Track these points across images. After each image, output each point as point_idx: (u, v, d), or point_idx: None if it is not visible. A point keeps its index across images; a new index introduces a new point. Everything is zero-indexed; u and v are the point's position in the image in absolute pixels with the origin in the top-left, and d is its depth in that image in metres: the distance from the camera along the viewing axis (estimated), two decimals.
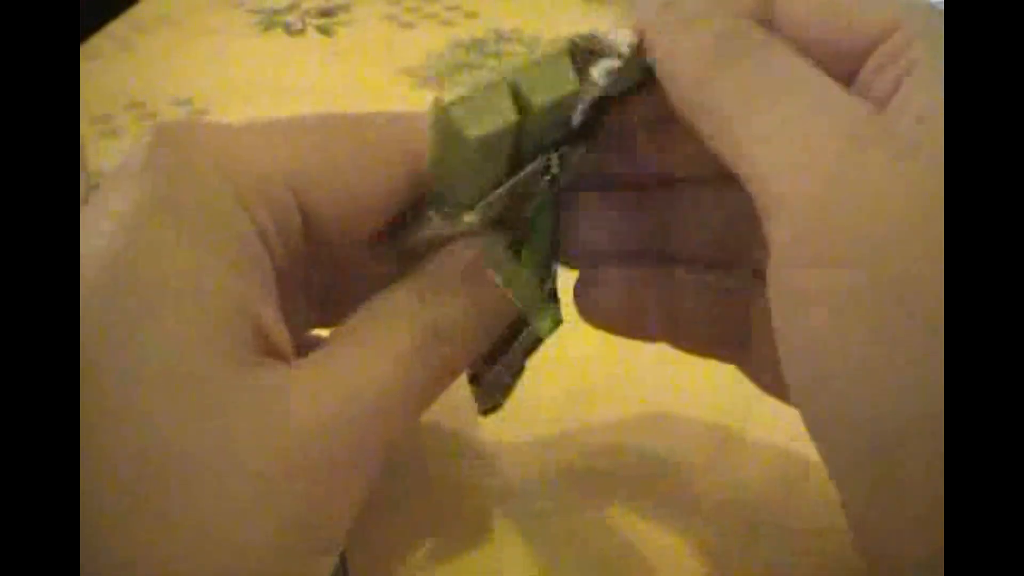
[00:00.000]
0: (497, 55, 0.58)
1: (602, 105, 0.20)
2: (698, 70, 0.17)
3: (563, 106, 0.20)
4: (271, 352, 0.17)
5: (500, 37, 0.60)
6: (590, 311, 0.24)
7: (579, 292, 0.24)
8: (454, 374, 0.21)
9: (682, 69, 0.18)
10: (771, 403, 0.25)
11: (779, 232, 0.16)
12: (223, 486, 0.15)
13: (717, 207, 0.22)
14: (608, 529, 0.27)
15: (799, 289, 0.15)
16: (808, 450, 0.18)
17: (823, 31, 0.18)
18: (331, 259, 0.20)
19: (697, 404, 0.30)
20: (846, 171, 0.15)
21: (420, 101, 0.52)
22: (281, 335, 0.17)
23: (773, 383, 0.22)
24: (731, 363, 0.23)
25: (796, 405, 0.17)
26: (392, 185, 0.19)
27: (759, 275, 0.17)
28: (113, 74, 0.57)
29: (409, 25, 0.63)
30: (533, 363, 0.25)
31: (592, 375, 0.32)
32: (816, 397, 0.16)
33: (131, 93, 0.54)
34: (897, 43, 0.17)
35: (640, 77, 0.20)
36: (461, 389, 0.32)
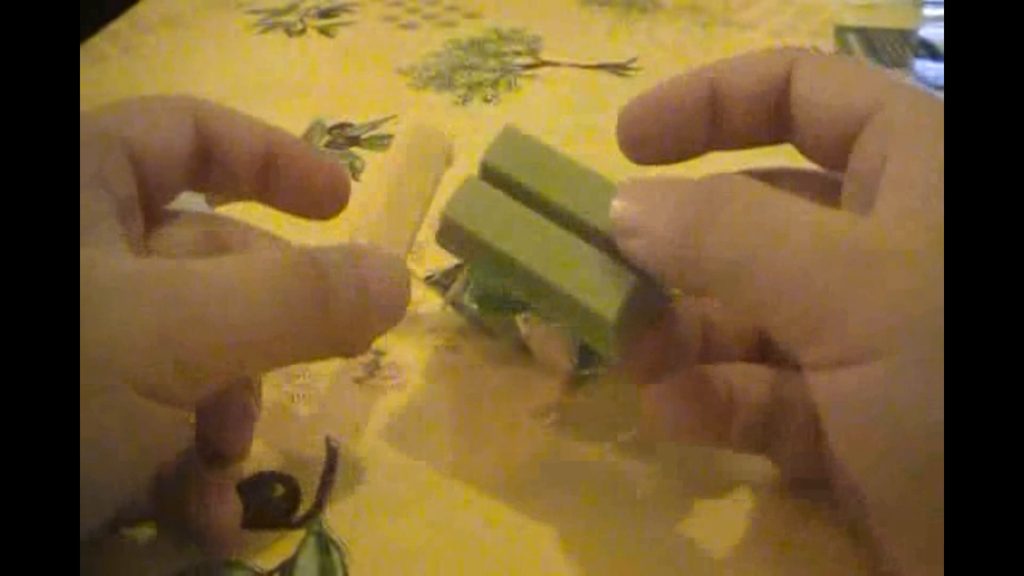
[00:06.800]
0: (497, 55, 0.58)
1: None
2: (683, 228, 0.20)
3: None
4: None
5: (500, 37, 0.60)
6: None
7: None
8: None
9: (665, 231, 0.20)
10: None
11: (804, 351, 0.19)
12: None
13: None
14: (609, 527, 0.27)
15: (835, 387, 0.18)
16: None
17: (824, 107, 0.21)
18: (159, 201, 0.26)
19: None
20: (848, 290, 0.18)
21: (420, 101, 0.52)
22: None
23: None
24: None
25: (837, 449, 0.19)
26: (185, 133, 0.26)
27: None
28: (113, 74, 0.57)
29: (409, 26, 0.63)
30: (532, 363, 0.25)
31: (592, 377, 0.32)
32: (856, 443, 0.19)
33: (131, 93, 0.54)
34: (880, 120, 0.20)
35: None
36: (456, 396, 0.32)
